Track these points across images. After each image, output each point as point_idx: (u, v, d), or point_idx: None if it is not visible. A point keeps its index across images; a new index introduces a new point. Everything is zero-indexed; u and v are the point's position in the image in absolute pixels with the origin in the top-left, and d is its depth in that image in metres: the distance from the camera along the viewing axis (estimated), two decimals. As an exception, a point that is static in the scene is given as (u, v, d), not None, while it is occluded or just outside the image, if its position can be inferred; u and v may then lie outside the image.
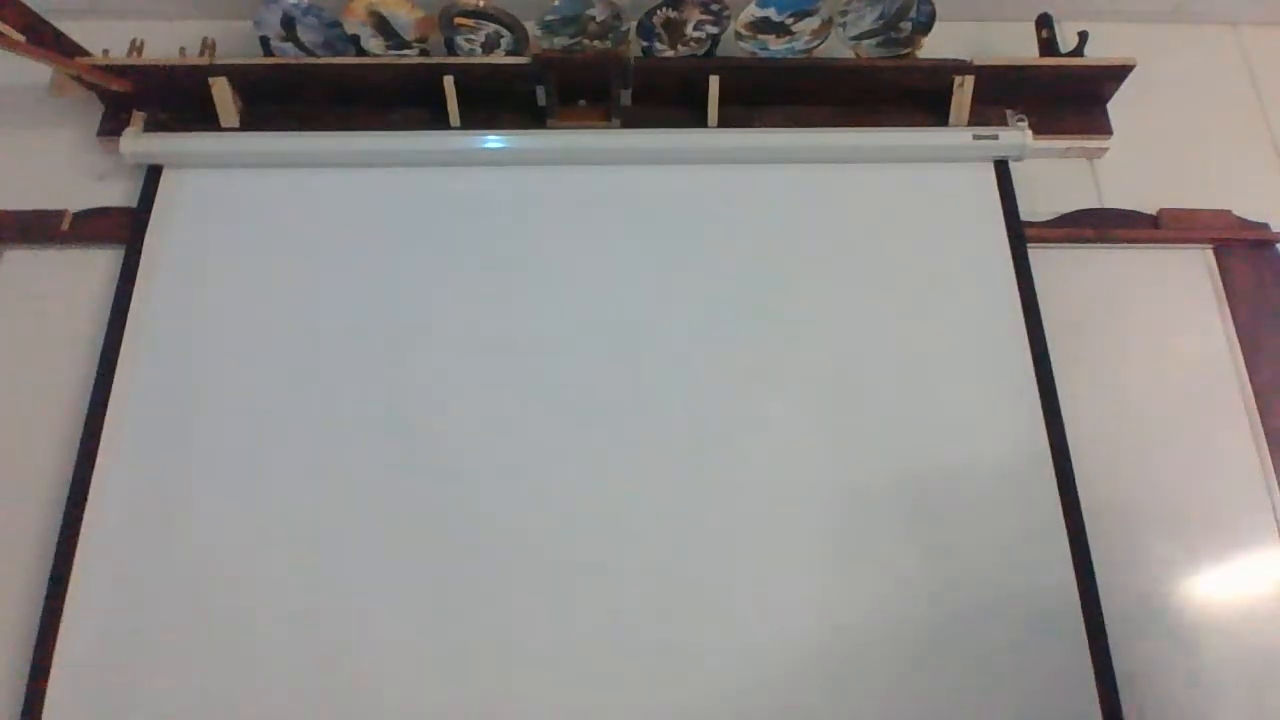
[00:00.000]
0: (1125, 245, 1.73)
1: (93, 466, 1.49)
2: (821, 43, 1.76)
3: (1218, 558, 1.52)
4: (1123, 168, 1.80)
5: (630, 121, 1.76)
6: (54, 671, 1.37)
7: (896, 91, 1.77)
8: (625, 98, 1.75)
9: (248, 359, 1.58)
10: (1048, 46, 1.78)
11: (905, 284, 1.65)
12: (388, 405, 1.55)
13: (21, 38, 1.59)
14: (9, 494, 1.51)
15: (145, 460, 1.51)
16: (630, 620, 1.42)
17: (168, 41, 1.80)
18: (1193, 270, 1.73)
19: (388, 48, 1.75)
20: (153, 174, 1.72)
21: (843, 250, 1.68)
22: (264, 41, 1.74)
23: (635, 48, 1.76)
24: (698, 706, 1.38)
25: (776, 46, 1.77)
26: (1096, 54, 1.74)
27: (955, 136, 1.75)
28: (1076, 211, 1.76)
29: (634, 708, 1.38)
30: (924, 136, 1.75)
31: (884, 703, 1.39)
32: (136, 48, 1.76)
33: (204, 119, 1.73)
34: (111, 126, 1.75)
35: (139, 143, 1.71)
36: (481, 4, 1.77)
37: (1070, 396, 1.57)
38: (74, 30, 1.71)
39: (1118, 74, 1.75)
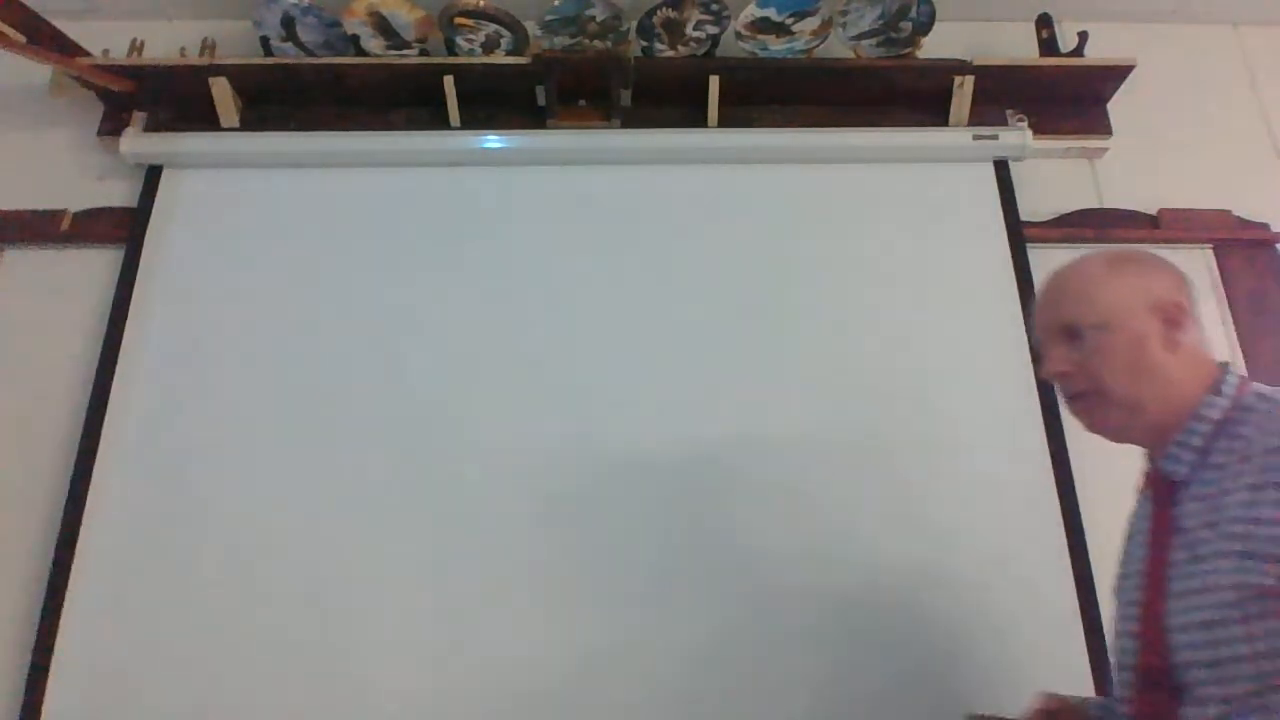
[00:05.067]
0: (1125, 245, 1.73)
1: (93, 465, 1.49)
2: (821, 43, 1.76)
3: (1218, 558, 1.52)
4: (1123, 168, 1.80)
5: (630, 121, 1.76)
6: (53, 669, 1.38)
7: (896, 91, 1.77)
8: (625, 98, 1.75)
9: (247, 357, 1.58)
10: (1048, 46, 1.78)
11: (905, 283, 1.65)
12: (387, 402, 1.55)
13: (21, 38, 1.59)
14: (9, 493, 1.51)
15: (145, 459, 1.51)
16: (631, 620, 1.42)
17: (168, 41, 1.80)
18: (1193, 270, 1.70)
19: (388, 48, 1.75)
20: (153, 174, 1.72)
21: (842, 250, 1.68)
22: (264, 41, 1.74)
23: (635, 48, 1.76)
24: (700, 701, 1.39)
25: (776, 46, 1.77)
26: (1096, 54, 1.74)
27: (955, 136, 1.75)
28: (1076, 211, 1.76)
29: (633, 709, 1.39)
30: (924, 136, 1.75)
31: (885, 702, 1.39)
32: (136, 48, 1.76)
33: (204, 119, 1.74)
34: (111, 126, 1.76)
35: (139, 143, 1.71)
36: (481, 4, 1.77)
37: (1070, 396, 1.57)
38: (74, 30, 1.71)
39: (1118, 74, 1.75)
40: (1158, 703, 0.83)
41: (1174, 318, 0.90)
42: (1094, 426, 0.93)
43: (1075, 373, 0.91)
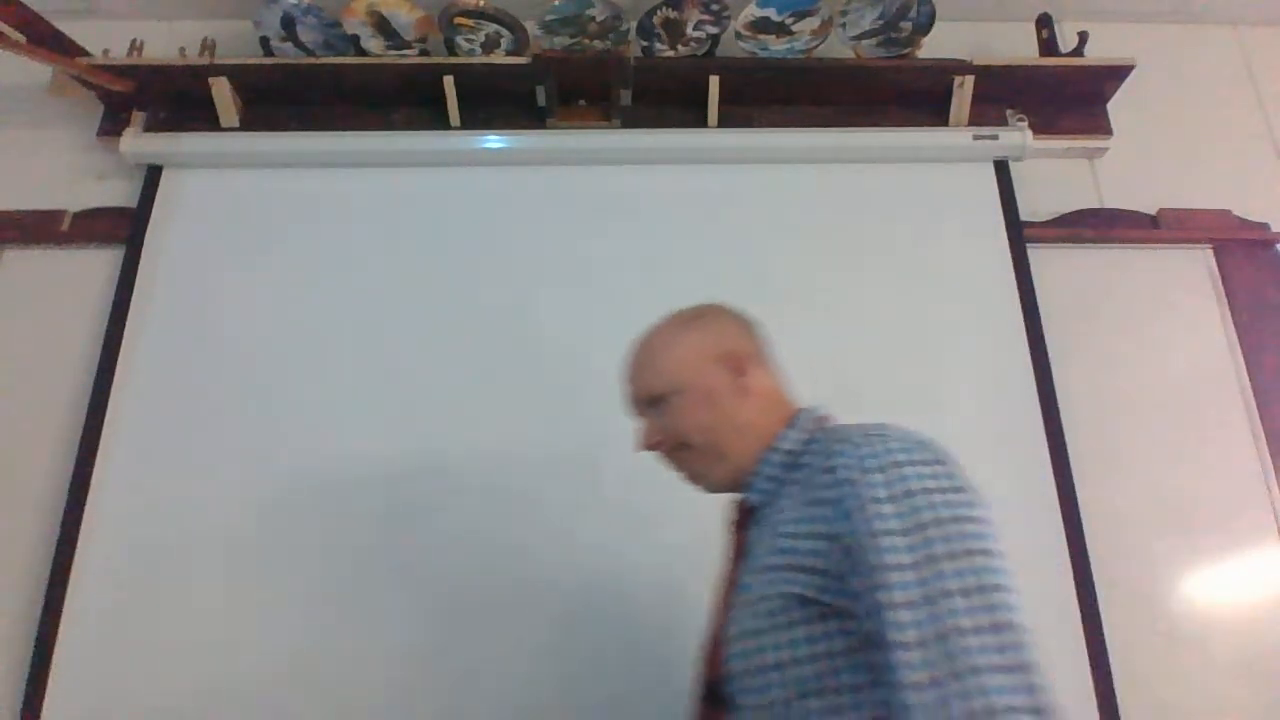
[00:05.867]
0: (1125, 245, 1.73)
1: (93, 465, 1.49)
2: (821, 43, 1.76)
3: (1218, 558, 1.52)
4: (1123, 168, 1.80)
5: (630, 121, 1.76)
6: (54, 670, 1.38)
7: (896, 91, 1.77)
8: (625, 98, 1.75)
9: (247, 358, 1.58)
10: (1048, 46, 1.78)
11: (905, 284, 1.65)
12: (386, 402, 1.55)
13: (21, 38, 1.59)
14: (9, 493, 1.51)
15: (145, 459, 1.51)
16: (632, 635, 1.43)
17: (168, 41, 1.81)
18: (1193, 270, 1.73)
19: (388, 48, 1.75)
20: (153, 174, 1.72)
21: (842, 250, 1.68)
22: (264, 41, 1.74)
23: (635, 48, 1.76)
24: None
25: (776, 46, 1.77)
26: (1096, 54, 1.74)
27: (955, 136, 1.75)
28: (1076, 211, 1.76)
29: None
30: (924, 136, 1.75)
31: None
32: (136, 48, 1.76)
33: (204, 119, 1.74)
34: (111, 126, 1.75)
35: (139, 143, 1.71)
36: (481, 4, 1.77)
37: (1070, 396, 1.57)
38: (74, 30, 1.71)
39: (1118, 74, 1.75)
40: (706, 715, 0.86)
41: (739, 366, 0.95)
42: (693, 482, 0.97)
43: (665, 439, 0.95)
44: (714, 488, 0.95)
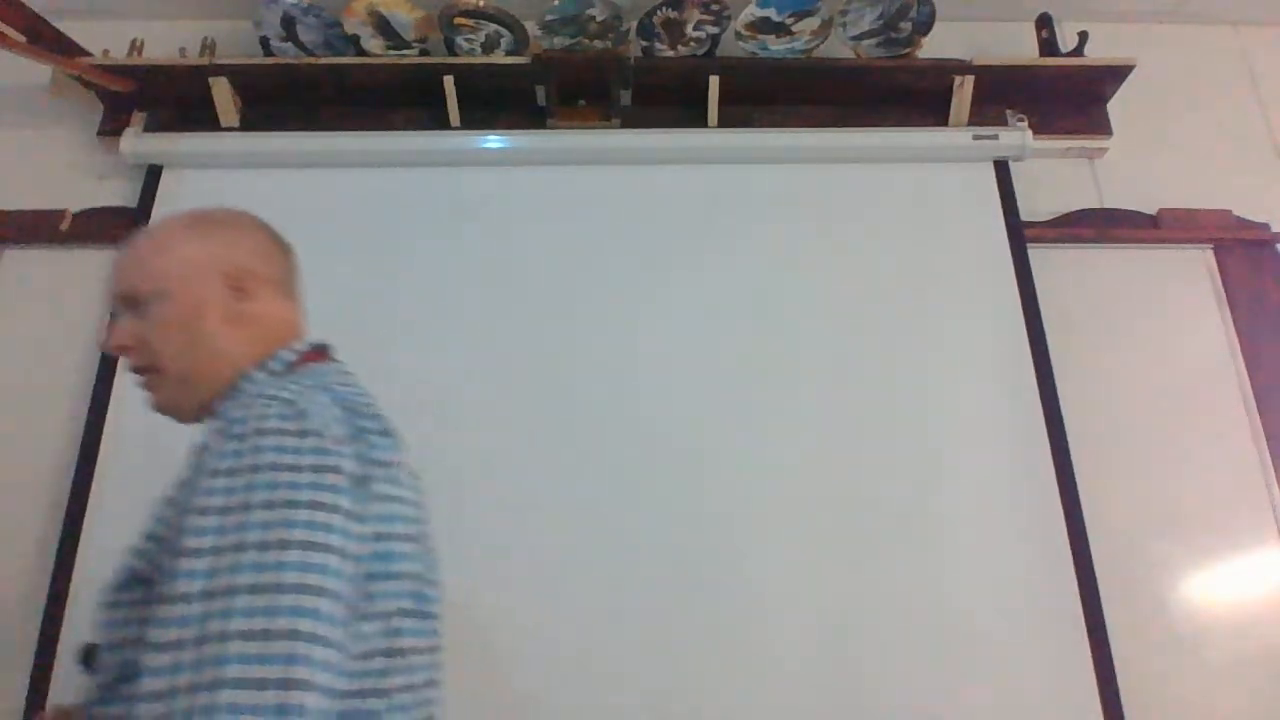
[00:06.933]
0: (1125, 245, 1.73)
1: (94, 465, 1.49)
2: (821, 43, 1.76)
3: (1218, 558, 1.52)
4: (1123, 168, 1.80)
5: (630, 121, 1.76)
6: (55, 670, 1.38)
7: (896, 91, 1.77)
8: (625, 98, 1.75)
9: (248, 359, 1.58)
10: (1048, 46, 1.78)
11: (905, 284, 1.65)
12: (385, 401, 1.54)
13: (21, 38, 1.59)
14: (11, 493, 1.51)
15: (146, 458, 1.50)
16: (629, 622, 1.42)
17: (168, 41, 1.80)
18: (1193, 270, 1.73)
19: (388, 48, 1.75)
20: (153, 174, 1.72)
21: (842, 250, 1.68)
22: (264, 41, 1.74)
23: (635, 48, 1.76)
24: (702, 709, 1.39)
25: (776, 46, 1.77)
26: (1096, 54, 1.75)
27: (955, 136, 1.75)
28: (1076, 211, 1.76)
29: None
30: (924, 136, 1.75)
31: (884, 709, 1.39)
32: (136, 48, 1.76)
33: (204, 119, 1.74)
34: (111, 126, 1.75)
35: (139, 143, 1.71)
36: (481, 4, 1.77)
37: (1070, 396, 1.57)
38: (74, 30, 1.71)
39: (1118, 74, 1.75)
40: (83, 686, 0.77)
41: (244, 286, 0.84)
42: (156, 406, 0.85)
43: (136, 347, 0.83)
44: (180, 417, 0.84)
